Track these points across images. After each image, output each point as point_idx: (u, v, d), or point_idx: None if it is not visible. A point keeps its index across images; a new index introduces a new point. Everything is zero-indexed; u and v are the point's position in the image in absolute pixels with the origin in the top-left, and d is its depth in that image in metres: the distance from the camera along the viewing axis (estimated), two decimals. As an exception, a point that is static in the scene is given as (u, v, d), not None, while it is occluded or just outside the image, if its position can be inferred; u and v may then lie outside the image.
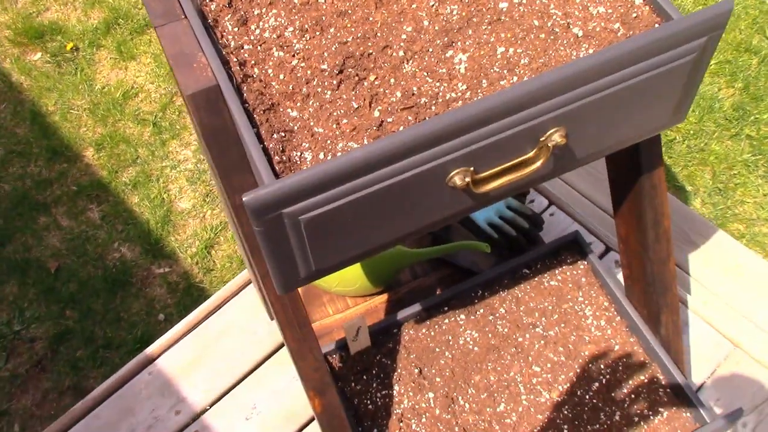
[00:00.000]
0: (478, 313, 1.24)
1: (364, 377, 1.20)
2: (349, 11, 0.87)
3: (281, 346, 1.48)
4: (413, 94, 0.81)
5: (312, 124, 0.80)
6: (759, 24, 2.43)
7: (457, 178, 0.77)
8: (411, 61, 0.84)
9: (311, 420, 1.39)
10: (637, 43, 0.75)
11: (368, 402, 1.17)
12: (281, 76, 0.83)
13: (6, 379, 1.87)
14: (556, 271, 1.28)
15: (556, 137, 0.79)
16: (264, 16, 0.87)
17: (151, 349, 1.49)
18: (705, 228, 1.75)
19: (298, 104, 0.81)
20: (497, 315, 1.24)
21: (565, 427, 1.13)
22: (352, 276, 1.31)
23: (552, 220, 1.60)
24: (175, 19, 0.85)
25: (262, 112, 0.80)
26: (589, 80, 0.76)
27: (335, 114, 0.80)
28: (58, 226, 2.14)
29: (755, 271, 1.65)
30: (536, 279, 1.27)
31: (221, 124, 0.82)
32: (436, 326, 1.23)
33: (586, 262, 1.29)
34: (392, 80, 0.82)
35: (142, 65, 2.48)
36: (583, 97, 0.77)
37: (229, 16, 0.87)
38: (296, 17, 0.87)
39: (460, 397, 1.17)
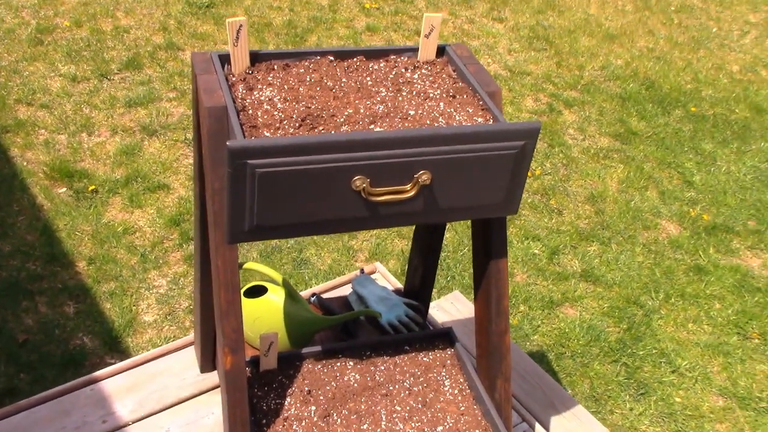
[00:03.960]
0: (363, 364, 1.60)
1: (266, 387, 1.53)
2: (317, 96, 1.40)
3: (201, 393, 1.80)
4: (343, 139, 1.31)
5: (277, 141, 1.28)
6: (649, 287, 2.99)
7: (358, 182, 1.23)
8: (346, 126, 1.34)
9: (211, 449, 1.67)
10: (468, 129, 1.26)
11: (263, 404, 1.50)
12: (265, 117, 1.33)
13: (-50, 412, 2.11)
14: (430, 352, 1.66)
15: (425, 177, 1.27)
16: (264, 89, 1.40)
17: (98, 372, 1.80)
18: (568, 402, 2.13)
19: (271, 131, 1.30)
20: (377, 369, 1.60)
21: (410, 449, 1.45)
22: (275, 330, 1.68)
23: (442, 351, 1.99)
24: (209, 73, 1.37)
25: (247, 127, 1.29)
26: (440, 143, 1.25)
27: (293, 139, 1.29)
28: (36, 311, 2.49)
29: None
30: (413, 353, 1.65)
31: (220, 130, 1.30)
32: (330, 365, 1.59)
33: (453, 350, 1.67)
34: (332, 132, 1.32)
35: (146, 214, 2.98)
36: (440, 153, 1.26)
37: (242, 84, 1.39)
38: (284, 94, 1.39)
39: (335, 414, 1.49)
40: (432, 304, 2.38)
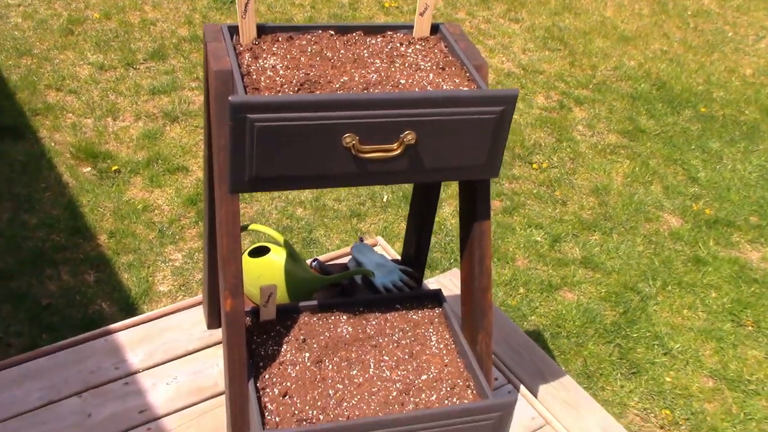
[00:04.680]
0: (356, 318, 1.72)
1: (264, 336, 1.66)
2: (315, 65, 1.52)
3: (208, 346, 1.93)
4: (337, 102, 1.43)
5: (277, 102, 1.41)
6: (647, 275, 3.08)
7: (348, 138, 1.36)
8: (341, 90, 1.47)
9: (211, 396, 1.80)
10: (451, 93, 1.38)
11: (261, 350, 1.62)
12: (267, 81, 1.46)
13: (-23, 365, 2.26)
14: (419, 311, 1.78)
15: (409, 137, 1.39)
16: (268, 58, 1.53)
17: (112, 325, 1.94)
18: (557, 373, 2.24)
19: (272, 93, 1.43)
20: (369, 323, 1.72)
21: (394, 393, 1.56)
22: (278, 291, 1.81)
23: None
24: (218, 41, 1.51)
25: (250, 89, 1.42)
26: (424, 105, 1.37)
27: (291, 101, 1.42)
28: (59, 278, 2.65)
29: (578, 404, 2.11)
30: (403, 311, 1.77)
31: (225, 91, 1.44)
32: (324, 318, 1.71)
33: (441, 309, 1.79)
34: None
35: (165, 193, 3.13)
36: (424, 115, 1.38)
37: (249, 53, 1.53)
38: (286, 62, 1.52)
39: (326, 360, 1.61)
40: (431, 280, 2.50)
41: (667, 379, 2.62)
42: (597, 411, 2.12)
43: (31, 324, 2.45)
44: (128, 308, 2.56)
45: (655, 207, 3.52)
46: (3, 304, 2.51)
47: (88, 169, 3.21)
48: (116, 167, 3.22)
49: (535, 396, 2.15)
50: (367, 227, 3.11)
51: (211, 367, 1.87)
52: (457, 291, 2.41)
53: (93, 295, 2.60)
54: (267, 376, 1.57)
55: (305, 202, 3.18)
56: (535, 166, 3.66)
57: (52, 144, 3.31)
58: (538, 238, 3.19)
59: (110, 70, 3.90)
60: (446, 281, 2.48)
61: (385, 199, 3.28)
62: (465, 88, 1.51)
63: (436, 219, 3.20)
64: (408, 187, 3.34)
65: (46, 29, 4.15)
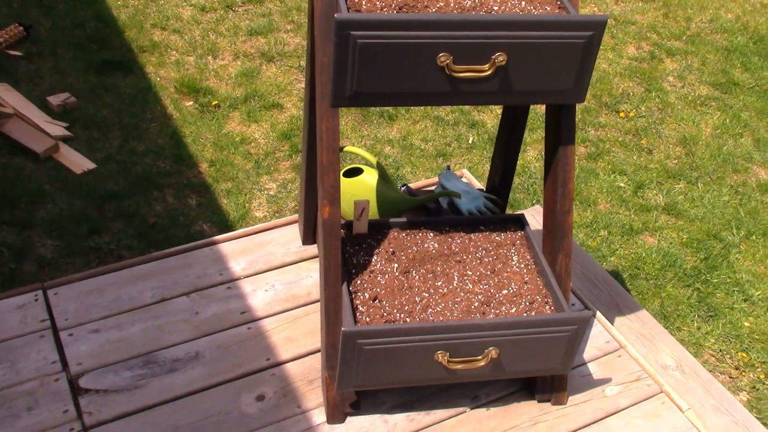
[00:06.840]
0: (441, 236, 1.84)
1: (357, 247, 1.79)
2: (414, -8, 1.62)
3: (303, 260, 2.08)
4: (434, 25, 1.53)
5: (377, 24, 1.51)
6: (731, 224, 3.07)
7: (443, 57, 1.45)
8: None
9: (305, 304, 1.95)
10: (542, 17, 1.46)
11: (354, 259, 1.76)
12: (369, 5, 1.56)
13: (93, 273, 2.48)
14: (502, 233, 1.88)
15: (501, 58, 1.47)
16: (370, -16, 1.63)
17: (217, 237, 2.11)
18: (633, 306, 2.30)
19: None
20: (454, 241, 1.83)
21: (476, 304, 1.67)
22: (370, 208, 1.94)
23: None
24: (325, -32, 1.61)
25: (352, 10, 1.53)
26: (515, 28, 1.45)
27: (391, 23, 1.52)
28: (164, 200, 2.85)
29: (653, 337, 2.17)
30: (487, 232, 1.87)
31: (330, 11, 1.55)
32: (413, 234, 1.83)
33: (523, 232, 1.88)
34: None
35: (261, 128, 3.30)
36: (515, 38, 1.46)
37: (352, -19, 1.63)
38: (386, -12, 1.62)
39: (413, 271, 1.74)
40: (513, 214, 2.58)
41: (746, 324, 2.64)
42: (672, 344, 2.18)
43: (140, 239, 2.66)
44: (227, 230, 2.73)
45: (744, 159, 3.49)
46: (116, 221, 2.73)
47: (191, 102, 3.40)
48: (216, 102, 3.40)
49: (612, 323, 2.22)
50: (454, 167, 3.20)
51: (305, 279, 2.02)
52: (538, 226, 2.49)
53: (195, 217, 2.79)
54: (359, 282, 1.70)
55: (393, 140, 3.30)
56: (622, 114, 3.67)
57: (158, 79, 3.52)
58: (622, 184, 3.21)
59: (211, 12, 4.08)
60: (528, 217, 2.55)
61: (470, 141, 3.36)
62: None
63: (521, 161, 3.26)
64: (492, 130, 3.41)
65: (152, -28, 4.35)
